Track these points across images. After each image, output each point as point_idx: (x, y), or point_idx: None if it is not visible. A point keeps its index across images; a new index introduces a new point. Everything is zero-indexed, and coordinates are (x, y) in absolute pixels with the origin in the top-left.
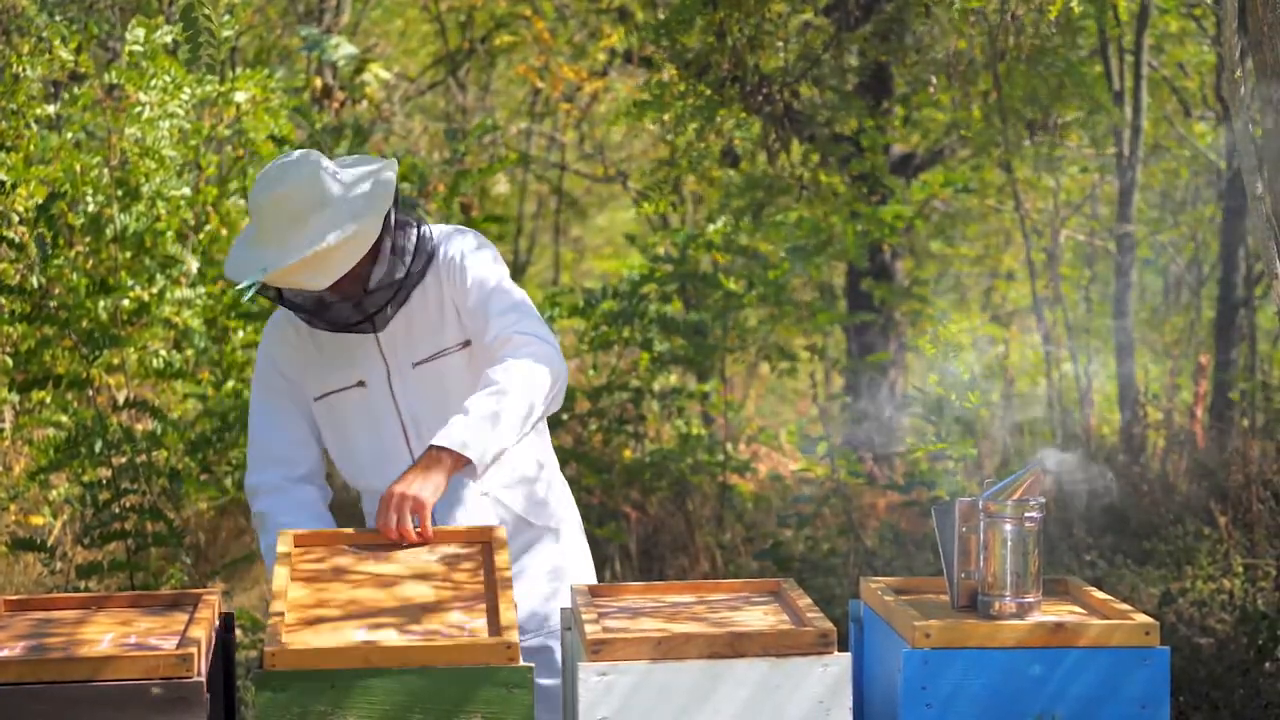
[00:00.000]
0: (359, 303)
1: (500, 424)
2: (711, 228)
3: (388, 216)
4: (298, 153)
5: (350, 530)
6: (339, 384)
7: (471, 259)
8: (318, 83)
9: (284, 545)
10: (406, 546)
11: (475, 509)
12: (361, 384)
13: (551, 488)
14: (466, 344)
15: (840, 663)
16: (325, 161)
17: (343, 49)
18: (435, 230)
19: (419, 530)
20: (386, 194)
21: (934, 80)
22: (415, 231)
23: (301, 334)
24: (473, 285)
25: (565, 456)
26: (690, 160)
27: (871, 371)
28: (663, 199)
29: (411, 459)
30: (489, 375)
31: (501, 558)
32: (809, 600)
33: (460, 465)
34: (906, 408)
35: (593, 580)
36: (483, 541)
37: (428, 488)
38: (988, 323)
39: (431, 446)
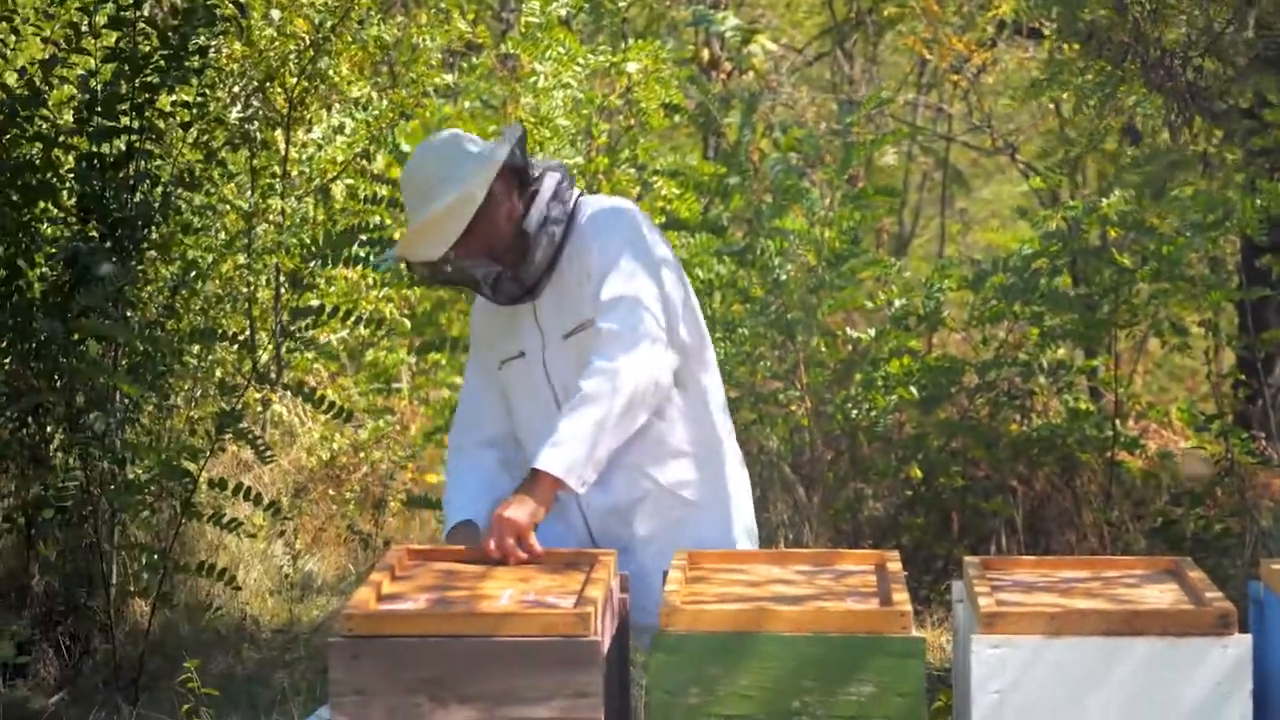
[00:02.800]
0: (485, 270)
1: (595, 438)
2: (1105, 202)
3: (514, 182)
4: (434, 135)
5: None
6: (507, 353)
7: (604, 231)
8: (705, 54)
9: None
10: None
11: (621, 482)
12: (522, 354)
13: (707, 465)
14: None
15: (1241, 645)
16: (458, 139)
17: (730, 21)
18: (585, 200)
19: (525, 550)
20: (491, 163)
21: None
22: (547, 197)
23: (491, 303)
24: (595, 260)
25: (952, 429)
26: (1090, 139)
27: (1266, 349)
28: (1061, 179)
29: None
30: (579, 386)
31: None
32: (1207, 580)
33: (561, 485)
34: None
35: None
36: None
37: (524, 511)
38: None
39: (533, 469)
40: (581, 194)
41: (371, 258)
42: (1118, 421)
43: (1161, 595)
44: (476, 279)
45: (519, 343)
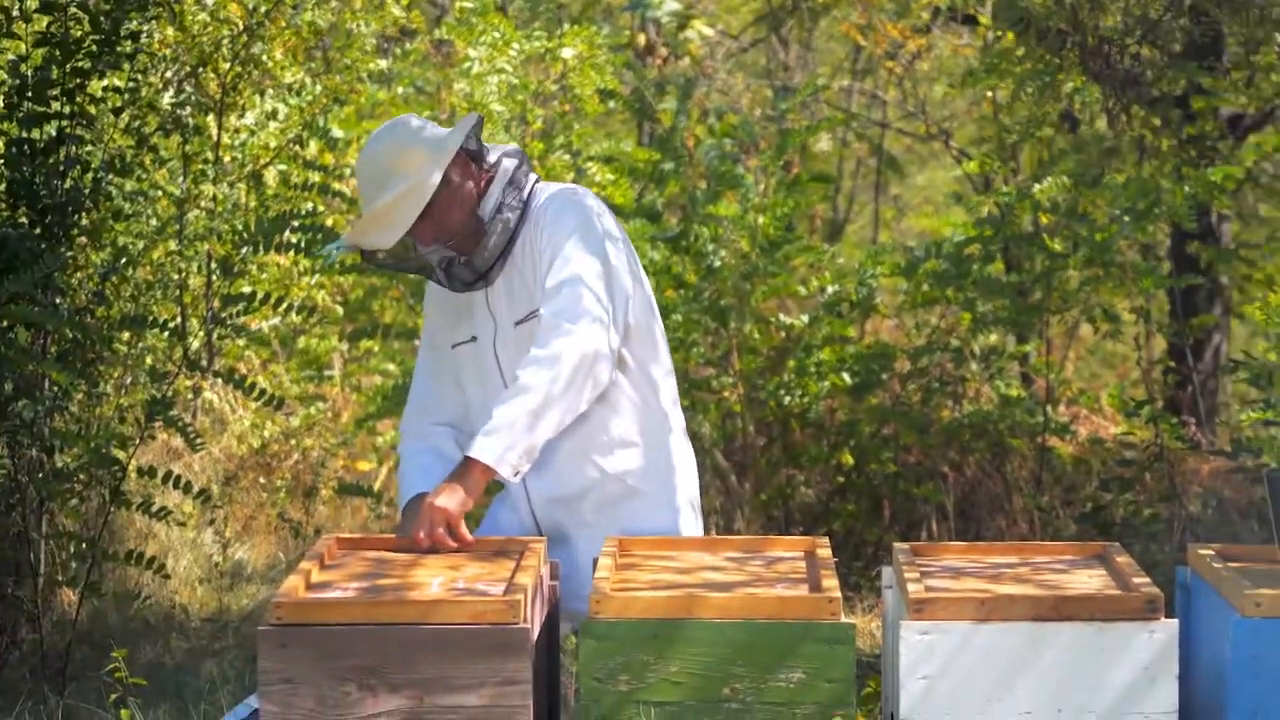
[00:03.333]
0: (440, 255)
1: (529, 427)
2: (1037, 188)
3: (470, 168)
4: (390, 121)
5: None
6: (459, 337)
7: (555, 217)
8: (641, 39)
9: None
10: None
11: (568, 471)
12: (474, 339)
13: (653, 450)
14: None
15: (1168, 630)
16: (414, 125)
17: (667, 5)
18: (541, 186)
19: (455, 539)
20: (445, 149)
21: (1278, 38)
22: (502, 183)
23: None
24: (545, 247)
25: (883, 415)
26: (1026, 127)
27: (1196, 335)
28: (1001, 167)
29: None
30: (516, 374)
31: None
32: (1135, 565)
33: (492, 474)
34: (1231, 373)
35: None
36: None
37: (454, 500)
38: None
39: (465, 457)
40: (539, 180)
41: (303, 244)
42: (1049, 407)
43: (1089, 580)
44: (430, 265)
45: (471, 328)
